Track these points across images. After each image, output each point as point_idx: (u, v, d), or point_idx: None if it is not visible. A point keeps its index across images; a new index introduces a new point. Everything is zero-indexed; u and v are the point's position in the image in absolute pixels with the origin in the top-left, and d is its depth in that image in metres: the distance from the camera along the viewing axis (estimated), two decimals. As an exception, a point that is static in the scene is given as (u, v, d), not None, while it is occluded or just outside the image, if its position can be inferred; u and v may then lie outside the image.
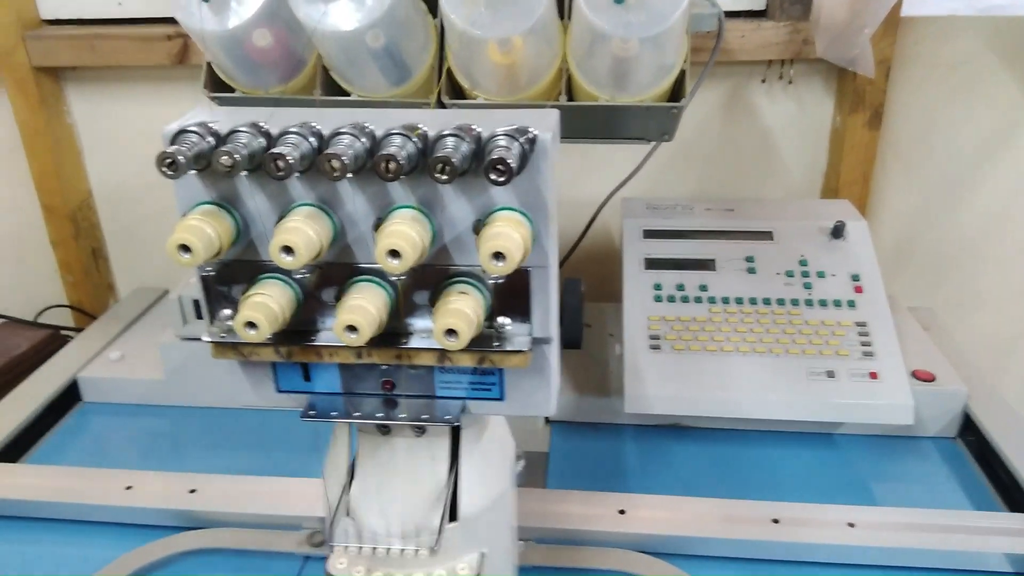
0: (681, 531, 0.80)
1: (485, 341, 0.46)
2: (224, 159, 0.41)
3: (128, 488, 0.88)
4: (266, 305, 0.44)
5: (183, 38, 1.16)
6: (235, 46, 0.64)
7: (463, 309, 0.43)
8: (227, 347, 0.48)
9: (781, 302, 0.96)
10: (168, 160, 0.40)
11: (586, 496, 0.85)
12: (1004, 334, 1.27)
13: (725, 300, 0.97)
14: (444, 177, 0.40)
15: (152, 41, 1.17)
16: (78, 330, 1.27)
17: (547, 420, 1.03)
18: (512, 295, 0.46)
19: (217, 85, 0.72)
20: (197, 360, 1.04)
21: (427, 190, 0.44)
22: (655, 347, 0.94)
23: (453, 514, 0.53)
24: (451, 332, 0.43)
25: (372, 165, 0.41)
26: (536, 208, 0.44)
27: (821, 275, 0.98)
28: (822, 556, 0.79)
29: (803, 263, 0.99)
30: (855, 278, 0.97)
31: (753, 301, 0.97)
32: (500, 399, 0.51)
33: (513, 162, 0.39)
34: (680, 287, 0.99)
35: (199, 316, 1.02)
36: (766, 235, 1.02)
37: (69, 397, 1.08)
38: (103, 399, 1.09)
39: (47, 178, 1.27)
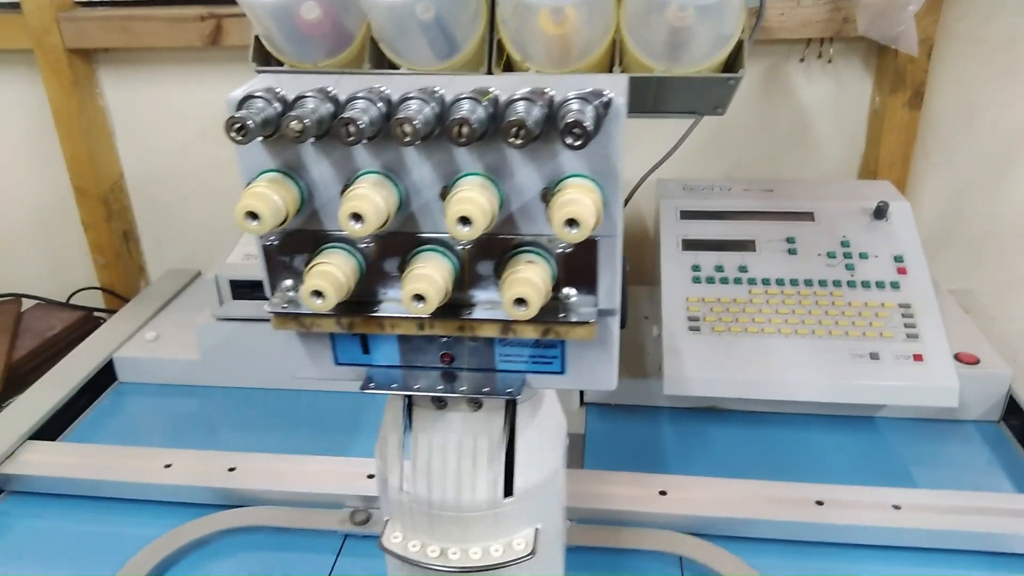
0: (724, 512, 0.79)
1: (550, 312, 0.46)
2: (294, 124, 0.40)
3: (167, 466, 0.88)
4: (332, 274, 0.44)
5: (216, 19, 1.16)
6: (285, 18, 0.64)
7: (532, 278, 0.43)
8: (289, 318, 0.47)
9: (823, 283, 0.95)
10: (237, 125, 0.40)
11: (626, 477, 0.85)
12: (1044, 318, 1.26)
13: (765, 281, 0.96)
14: (518, 141, 0.39)
15: (185, 22, 1.17)
16: (110, 312, 1.27)
17: (582, 401, 1.02)
18: (578, 265, 0.46)
19: (264, 59, 0.71)
20: (232, 340, 1.04)
21: (494, 157, 0.43)
22: (694, 328, 0.94)
23: (508, 490, 0.53)
24: (520, 302, 0.42)
25: (443, 130, 0.40)
26: (606, 175, 0.43)
27: (864, 256, 0.97)
28: (867, 538, 0.78)
29: (845, 244, 0.98)
30: (898, 259, 0.96)
31: (794, 282, 0.96)
32: (561, 372, 0.50)
33: (589, 125, 0.38)
34: (719, 268, 0.98)
35: (235, 296, 1.02)
36: (807, 215, 1.01)
37: (105, 377, 1.08)
38: (139, 379, 1.09)
39: (79, 160, 1.27)
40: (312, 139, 0.43)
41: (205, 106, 1.27)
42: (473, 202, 0.41)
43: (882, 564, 0.77)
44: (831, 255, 0.97)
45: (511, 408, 0.53)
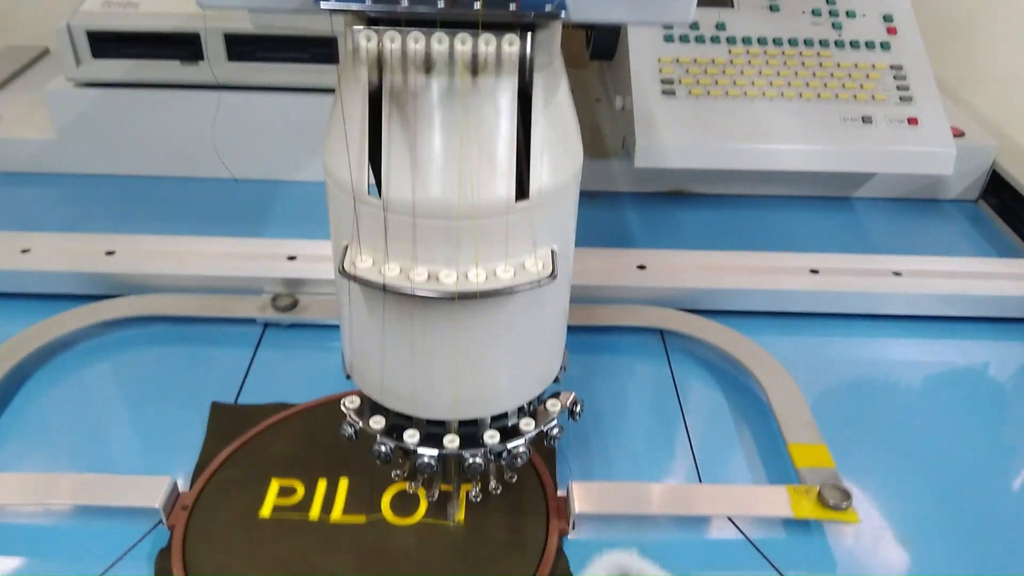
0: (709, 283, 0.69)
1: None
2: None
3: (25, 251, 0.69)
4: None
5: None
6: None
7: None
8: None
9: (809, 43, 0.83)
10: None
11: (601, 252, 0.73)
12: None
13: (746, 40, 0.83)
14: None
15: None
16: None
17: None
18: None
19: None
20: (96, 112, 0.83)
21: None
22: (668, 92, 0.81)
23: (519, 192, 0.39)
24: None
25: None
26: None
27: (851, 15, 0.85)
28: (866, 307, 0.70)
29: (830, 1, 0.86)
30: (887, 19, 0.85)
31: (778, 42, 0.83)
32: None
33: None
34: (694, 26, 0.84)
35: (95, 54, 0.80)
36: (789, -32, 0.88)
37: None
38: (-23, 167, 0.87)
39: None
40: None
41: None
42: None
43: (883, 334, 0.70)
44: (816, 12, 0.85)
45: (522, 96, 0.38)
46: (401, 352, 0.41)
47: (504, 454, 0.44)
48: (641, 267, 0.71)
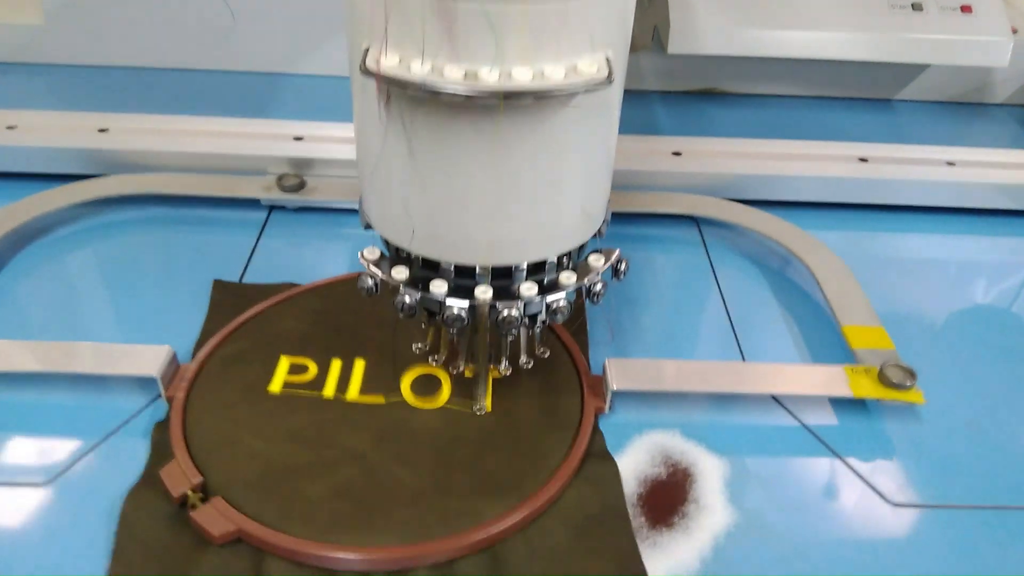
0: (749, 170, 0.64)
1: None
2: None
3: (10, 128, 0.64)
4: None
5: None
6: None
7: None
8: None
9: (856, -76, 0.77)
10: None
11: (633, 137, 0.68)
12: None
13: (789, -80, 0.77)
14: None
15: None
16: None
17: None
18: None
19: None
20: (90, -5, 0.77)
21: None
22: (704, -26, 0.75)
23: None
24: None
25: None
26: None
27: None
28: (917, 198, 0.65)
29: None
30: (940, -100, 0.79)
31: (823, -78, 0.77)
32: None
33: None
34: (732, -96, 0.78)
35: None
36: None
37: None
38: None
39: None
40: None
41: None
42: None
43: (935, 227, 0.65)
44: None
45: None
46: (430, 180, 0.36)
47: (541, 316, 0.40)
48: (676, 153, 0.66)
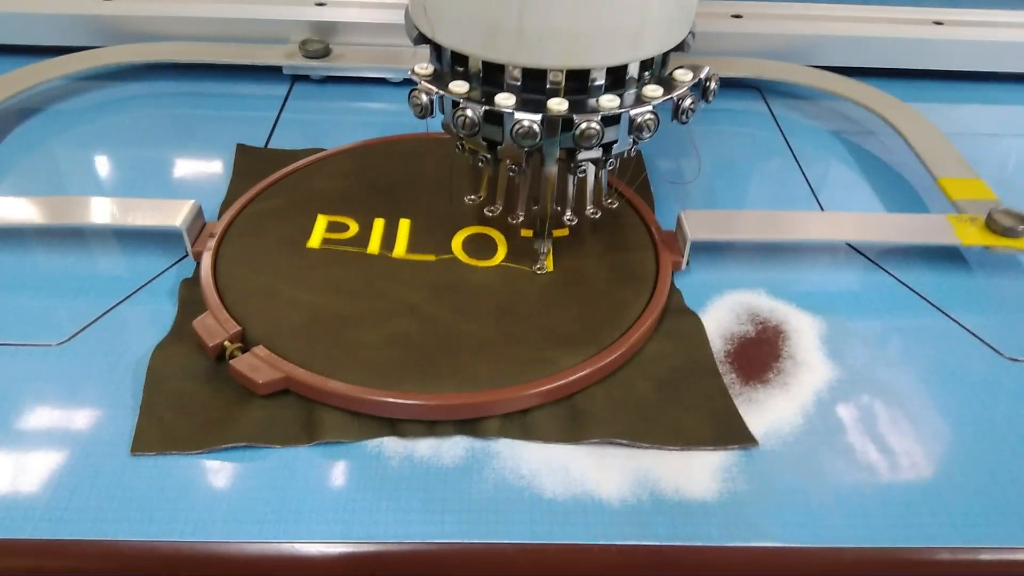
0: (812, 30, 0.58)
1: None
2: None
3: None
4: None
5: None
6: None
7: None
8: None
9: None
10: None
11: None
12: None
13: None
14: None
15: None
16: None
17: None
18: None
19: None
20: None
21: None
22: None
23: None
24: None
25: None
26: None
27: None
28: (997, 62, 0.59)
29: None
30: None
31: None
32: None
33: None
34: None
35: None
36: None
37: None
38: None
39: None
40: None
41: None
42: None
43: (1017, 95, 0.60)
44: None
45: None
46: None
47: (618, 142, 0.35)
48: (736, 16, 0.60)
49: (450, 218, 0.43)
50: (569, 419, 0.33)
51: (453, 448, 0.32)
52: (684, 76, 0.35)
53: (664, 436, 0.32)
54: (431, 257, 0.40)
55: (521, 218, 0.40)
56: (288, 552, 0.28)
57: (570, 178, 0.38)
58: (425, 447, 0.32)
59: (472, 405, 0.32)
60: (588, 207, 0.40)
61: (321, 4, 0.58)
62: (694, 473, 0.31)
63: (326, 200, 0.44)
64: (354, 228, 0.42)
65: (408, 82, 0.58)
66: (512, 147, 0.34)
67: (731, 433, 0.33)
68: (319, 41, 0.56)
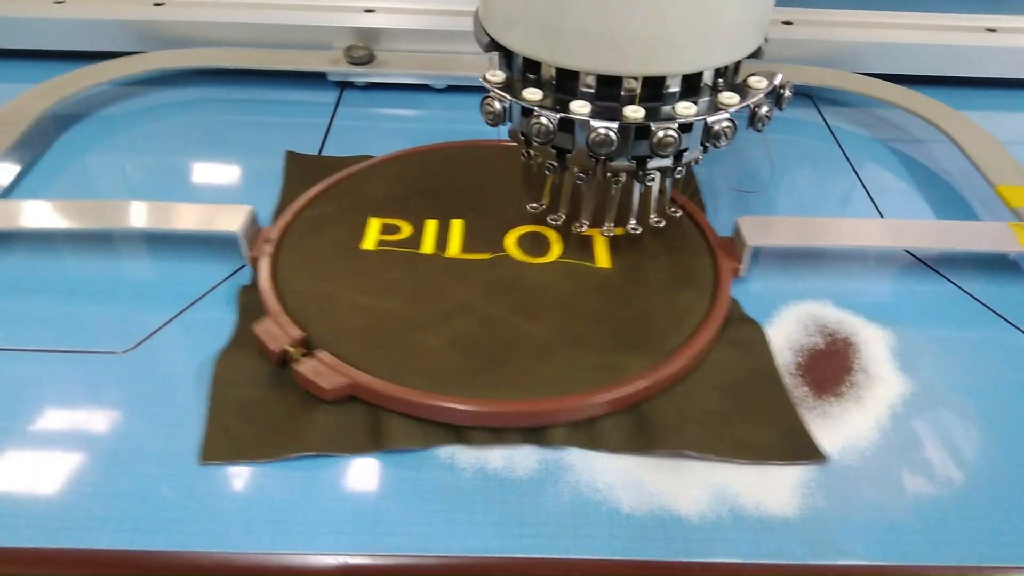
0: (865, 38, 0.57)
1: None
2: None
3: (58, 2, 0.58)
4: None
5: None
6: None
7: None
8: None
9: None
10: None
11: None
12: None
13: None
14: None
15: None
16: None
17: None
18: None
19: None
20: None
21: None
22: None
23: None
24: None
25: None
26: None
27: None
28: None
29: None
30: None
31: None
32: None
33: None
34: None
35: None
36: None
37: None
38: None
39: None
40: None
41: None
42: None
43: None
44: None
45: None
46: None
47: (690, 152, 0.34)
48: (787, 23, 0.59)
49: (503, 218, 0.42)
50: (637, 429, 0.32)
51: (526, 459, 0.31)
52: (759, 83, 0.35)
53: (733, 450, 0.32)
54: (485, 256, 0.40)
55: (585, 227, 0.39)
56: (369, 565, 0.27)
57: (636, 187, 0.37)
58: (498, 458, 0.31)
59: (539, 412, 0.32)
60: (652, 216, 0.39)
61: (370, 11, 0.58)
62: (773, 488, 0.31)
63: (378, 204, 0.43)
64: (407, 230, 0.42)
65: (452, 89, 0.58)
66: (583, 155, 0.33)
67: (800, 449, 0.32)
68: (364, 48, 0.56)
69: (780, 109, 0.36)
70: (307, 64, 0.55)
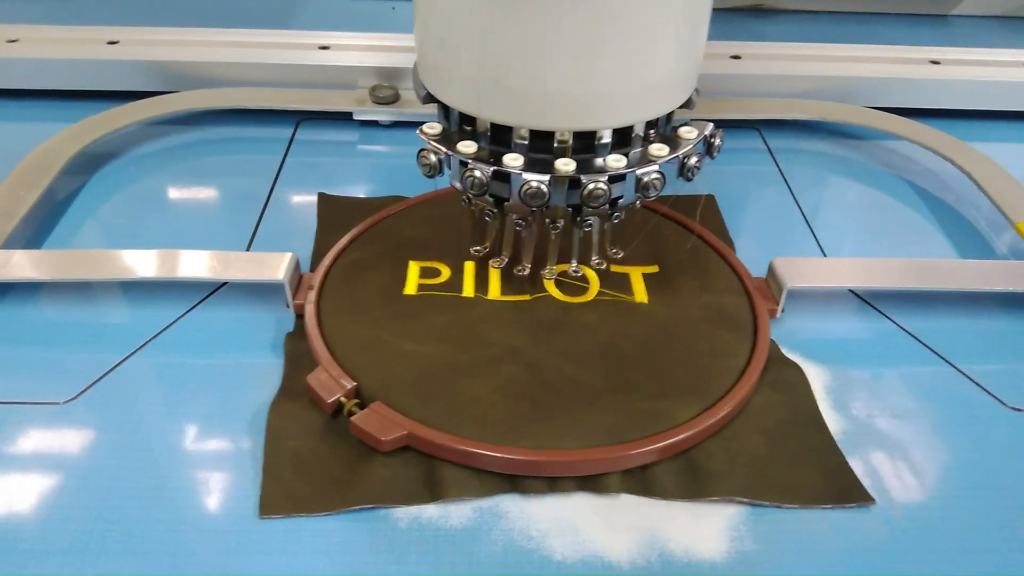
0: (818, 71, 0.59)
1: None
2: None
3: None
4: None
5: None
6: None
7: None
8: None
9: None
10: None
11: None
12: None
13: None
14: None
15: None
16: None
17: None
18: None
19: None
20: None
21: None
22: None
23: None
24: None
25: None
26: None
27: None
28: (992, 101, 0.60)
29: None
30: None
31: None
32: None
33: None
34: None
35: None
36: None
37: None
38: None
39: None
40: None
41: None
42: None
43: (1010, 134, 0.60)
44: None
45: None
46: (510, 26, 0.31)
47: (623, 198, 0.35)
48: (735, 57, 0.61)
49: (539, 255, 0.43)
50: (687, 475, 0.33)
51: (460, 508, 0.31)
52: (689, 134, 0.36)
53: (782, 495, 0.32)
54: (526, 297, 0.41)
55: (527, 270, 0.41)
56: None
57: (576, 232, 0.38)
58: (432, 507, 0.32)
59: (594, 461, 0.33)
60: (593, 258, 0.40)
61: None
62: (702, 533, 0.31)
63: (415, 247, 0.44)
64: (446, 273, 0.42)
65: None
66: (519, 204, 0.35)
67: (847, 491, 0.33)
68: (389, 87, 0.57)
69: (712, 158, 0.37)
70: (334, 104, 0.56)
